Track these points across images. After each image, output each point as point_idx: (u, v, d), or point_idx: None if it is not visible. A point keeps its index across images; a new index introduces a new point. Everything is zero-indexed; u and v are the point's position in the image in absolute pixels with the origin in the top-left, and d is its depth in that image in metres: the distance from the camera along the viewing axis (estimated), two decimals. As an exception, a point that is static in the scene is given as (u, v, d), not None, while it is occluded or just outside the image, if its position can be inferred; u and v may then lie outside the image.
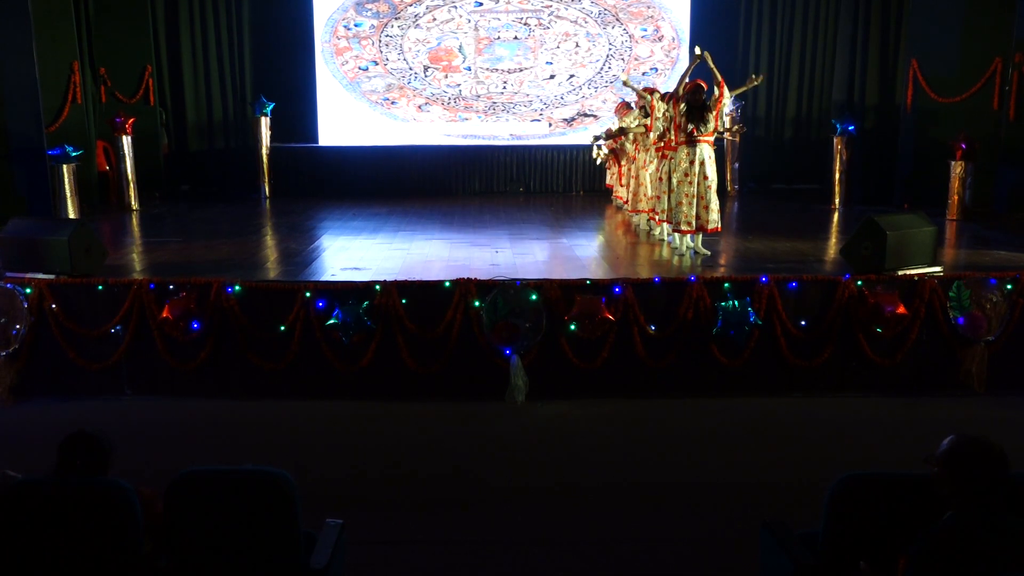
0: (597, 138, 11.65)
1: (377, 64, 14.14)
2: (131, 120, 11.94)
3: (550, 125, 14.28)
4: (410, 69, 14.13)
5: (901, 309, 6.80)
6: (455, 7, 14.06)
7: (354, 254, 8.37)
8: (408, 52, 14.12)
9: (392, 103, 14.19)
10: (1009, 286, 6.91)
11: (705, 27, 14.00)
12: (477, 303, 6.66)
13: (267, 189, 13.39)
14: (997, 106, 10.67)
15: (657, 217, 8.91)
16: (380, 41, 14.11)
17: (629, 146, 10.24)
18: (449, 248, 9.00)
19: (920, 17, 12.07)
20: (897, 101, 12.69)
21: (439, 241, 9.44)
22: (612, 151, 11.65)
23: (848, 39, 13.68)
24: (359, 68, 14.13)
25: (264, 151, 13.34)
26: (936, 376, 6.98)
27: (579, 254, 8.53)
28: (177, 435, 6.09)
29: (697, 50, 8.13)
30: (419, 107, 14.22)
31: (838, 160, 12.23)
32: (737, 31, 14.34)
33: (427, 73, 14.13)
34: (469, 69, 14.17)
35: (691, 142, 7.86)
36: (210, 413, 6.50)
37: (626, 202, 10.59)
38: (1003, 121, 10.80)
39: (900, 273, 6.98)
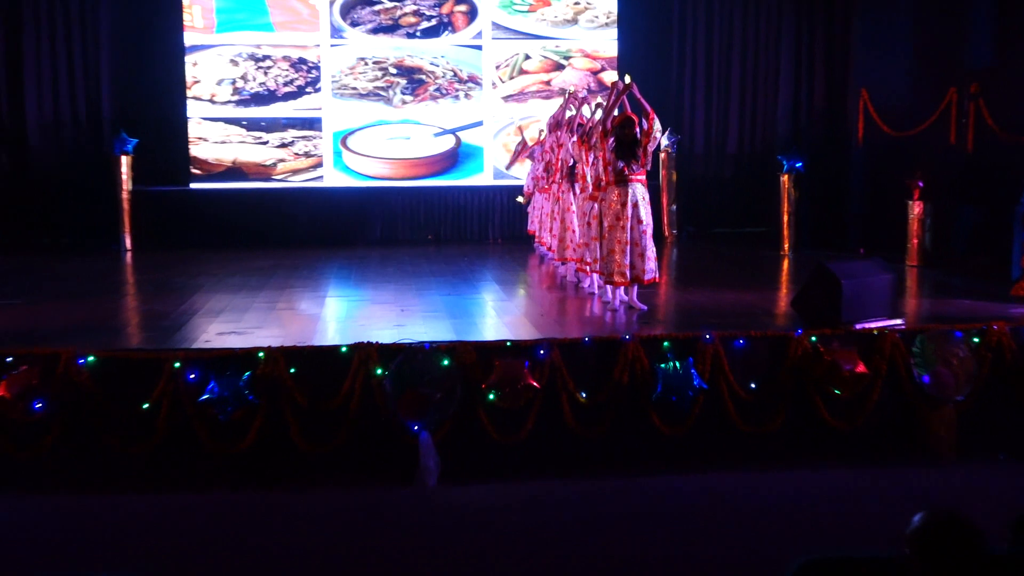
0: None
1: (259, 95, 14.07)
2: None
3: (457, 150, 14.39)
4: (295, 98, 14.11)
5: (860, 367, 6.95)
6: (353, 41, 14.15)
7: (233, 316, 8.22)
8: (294, 82, 14.12)
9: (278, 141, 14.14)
10: (976, 339, 7.14)
11: (633, 54, 14.35)
12: (380, 371, 6.58)
13: (128, 240, 13.10)
14: (955, 139, 11.14)
15: (587, 267, 8.99)
16: (261, 69, 14.06)
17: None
18: (346, 307, 8.89)
19: (866, 43, 12.59)
20: (847, 135, 13.12)
21: (334, 299, 9.33)
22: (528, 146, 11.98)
23: (791, 66, 14.16)
24: (238, 101, 14.03)
25: (125, 195, 13.08)
26: (901, 442, 7.13)
27: (498, 311, 8.52)
28: (17, 539, 5.80)
29: (627, 79, 8.31)
30: (308, 146, 14.19)
31: (786, 200, 12.57)
32: (670, 59, 14.69)
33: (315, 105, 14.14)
34: (369, 96, 14.22)
35: (622, 182, 7.98)
36: (57, 510, 6.23)
37: (551, 250, 10.67)
38: (962, 156, 11.24)
39: (858, 327, 7.16)
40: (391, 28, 14.27)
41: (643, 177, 8.10)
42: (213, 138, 14.03)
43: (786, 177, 12.54)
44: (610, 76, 14.14)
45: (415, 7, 14.27)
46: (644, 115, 8.03)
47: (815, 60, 14.00)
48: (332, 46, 14.17)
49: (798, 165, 12.56)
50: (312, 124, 14.19)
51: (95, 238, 13.34)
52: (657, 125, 8.03)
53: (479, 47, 14.42)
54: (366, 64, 14.24)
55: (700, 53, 14.66)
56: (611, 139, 8.02)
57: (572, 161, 9.65)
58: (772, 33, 14.44)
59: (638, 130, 8.01)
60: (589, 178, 8.71)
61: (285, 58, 14.10)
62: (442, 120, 14.42)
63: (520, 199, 12.84)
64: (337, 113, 14.21)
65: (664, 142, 13.43)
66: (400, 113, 14.34)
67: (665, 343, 6.89)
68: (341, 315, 8.65)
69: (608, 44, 14.58)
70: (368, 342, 6.69)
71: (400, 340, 6.82)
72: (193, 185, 13.99)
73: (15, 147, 13.56)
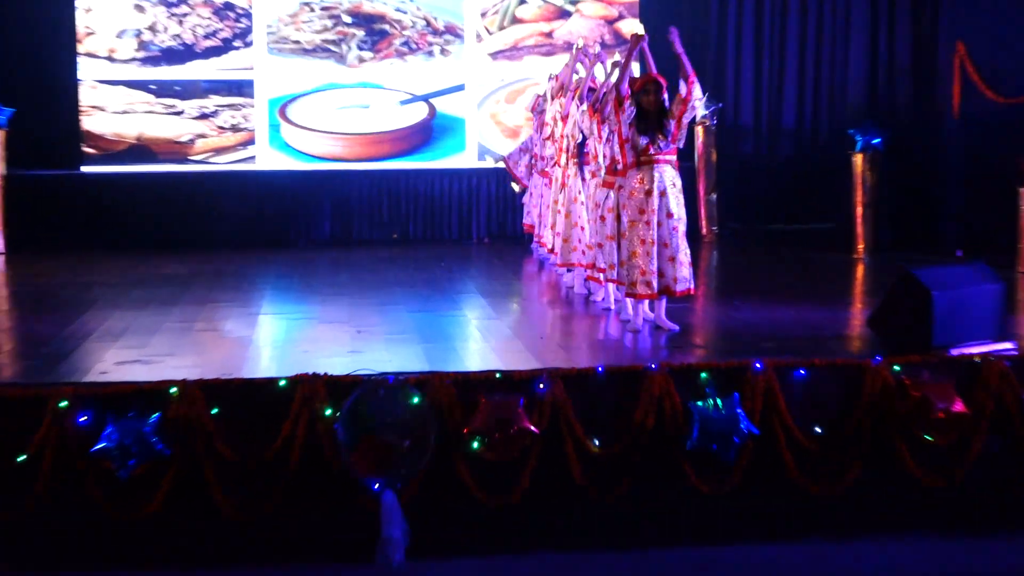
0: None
1: (172, 52, 14.05)
2: None
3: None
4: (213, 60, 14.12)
5: (959, 405, 6.94)
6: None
7: (137, 340, 8.20)
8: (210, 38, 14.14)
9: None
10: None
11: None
12: (329, 411, 6.56)
13: (1, 240, 13.07)
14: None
15: (600, 275, 8.97)
16: (175, 18, 14.05)
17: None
18: (285, 328, 8.87)
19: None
20: (940, 102, 13.13)
21: (270, 317, 9.31)
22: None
23: (865, 12, 14.15)
24: (145, 58, 14.01)
25: (-3, 182, 13.09)
26: (1013, 503, 7.11)
27: (484, 333, 8.50)
28: None
29: (640, 30, 8.29)
30: (236, 117, 14.18)
31: (860, 188, 12.57)
32: (707, 3, 14.67)
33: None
34: (316, 52, 14.22)
35: (646, 163, 7.97)
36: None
37: (553, 252, 10.65)
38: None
39: (955, 353, 7.14)
40: (345, -37, 14.30)
41: (673, 157, 8.10)
42: (112, 107, 14.03)
43: (860, 157, 12.55)
44: (630, 26, 14.17)
45: (376, -64, 14.32)
46: (683, 77, 8.02)
47: (897, 3, 14.01)
48: (268, -13, 14.19)
49: (875, 142, 12.57)
50: (241, 89, 14.20)
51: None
52: (697, 91, 8.03)
53: (460, -12, 14.46)
54: (312, 10, 14.27)
55: (747, -2, 14.70)
56: (628, 108, 8.00)
57: (582, 136, 9.64)
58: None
59: (666, 96, 8.01)
60: (603, 159, 8.71)
61: (207, 2, 14.12)
62: (411, 83, 14.43)
63: (515, 186, 12.82)
64: (274, 74, 14.22)
65: (701, 112, 13.44)
66: (356, 74, 14.35)
67: (703, 374, 6.88)
68: (279, 338, 8.63)
69: (628, -16, 14.61)
70: (314, 374, 6.67)
71: (356, 371, 6.80)
72: (85, 168, 13.98)
73: None
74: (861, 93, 14.16)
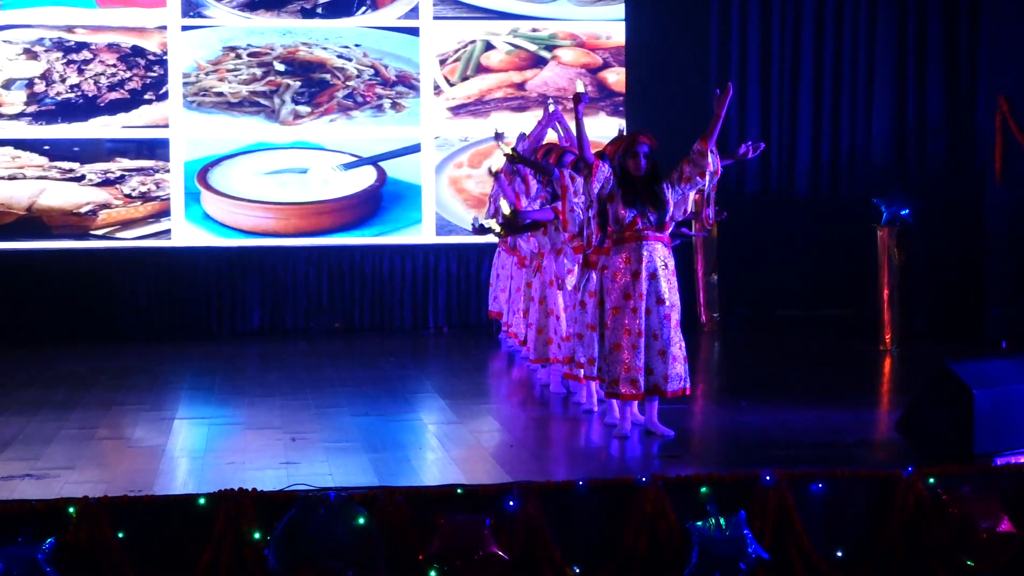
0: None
1: (70, 106, 14.10)
2: None
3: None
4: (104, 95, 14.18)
5: (1006, 524, 6.98)
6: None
7: (27, 450, 8.18)
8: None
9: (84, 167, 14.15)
10: None
11: (651, 42, 14.39)
12: (258, 535, 6.57)
13: None
14: None
15: (580, 372, 9.00)
16: (74, 65, 14.11)
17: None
18: (205, 435, 8.85)
19: (1006, 26, 12.73)
20: (979, 166, 13.24)
21: (186, 422, 9.29)
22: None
23: (891, 61, 14.29)
24: (37, 114, 14.04)
25: None
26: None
27: (443, 440, 8.54)
28: None
29: (580, 86, 8.36)
30: (147, 183, 14.20)
31: (886, 267, 12.61)
32: (707, 50, 14.72)
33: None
34: (243, 106, 14.27)
35: (632, 240, 8.06)
36: None
37: (524, 344, 10.67)
38: None
39: (1001, 462, 7.20)
40: (278, 1, 14.39)
41: (665, 234, 8.18)
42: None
43: (886, 231, 12.60)
44: (617, 75, 14.32)
45: (315, -30, 14.46)
46: (703, 140, 8.08)
47: (928, 52, 14.19)
48: (185, 29, 14.24)
49: (904, 213, 12.63)
50: (153, 150, 14.19)
51: None
52: (713, 165, 8.11)
53: (415, 31, 14.53)
54: (238, 57, 14.33)
55: (753, 41, 14.82)
56: (601, 177, 8.05)
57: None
58: (863, 13, 14.62)
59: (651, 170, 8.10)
60: (573, 227, 8.75)
61: (112, 47, 14.16)
62: (357, 143, 14.46)
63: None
64: (193, 133, 14.25)
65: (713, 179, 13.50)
66: (291, 133, 14.39)
67: (703, 489, 6.90)
68: (198, 448, 8.59)
69: (614, 27, 14.66)
70: (240, 490, 6.68)
71: (290, 487, 6.81)
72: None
73: None
74: (887, 156, 14.24)
